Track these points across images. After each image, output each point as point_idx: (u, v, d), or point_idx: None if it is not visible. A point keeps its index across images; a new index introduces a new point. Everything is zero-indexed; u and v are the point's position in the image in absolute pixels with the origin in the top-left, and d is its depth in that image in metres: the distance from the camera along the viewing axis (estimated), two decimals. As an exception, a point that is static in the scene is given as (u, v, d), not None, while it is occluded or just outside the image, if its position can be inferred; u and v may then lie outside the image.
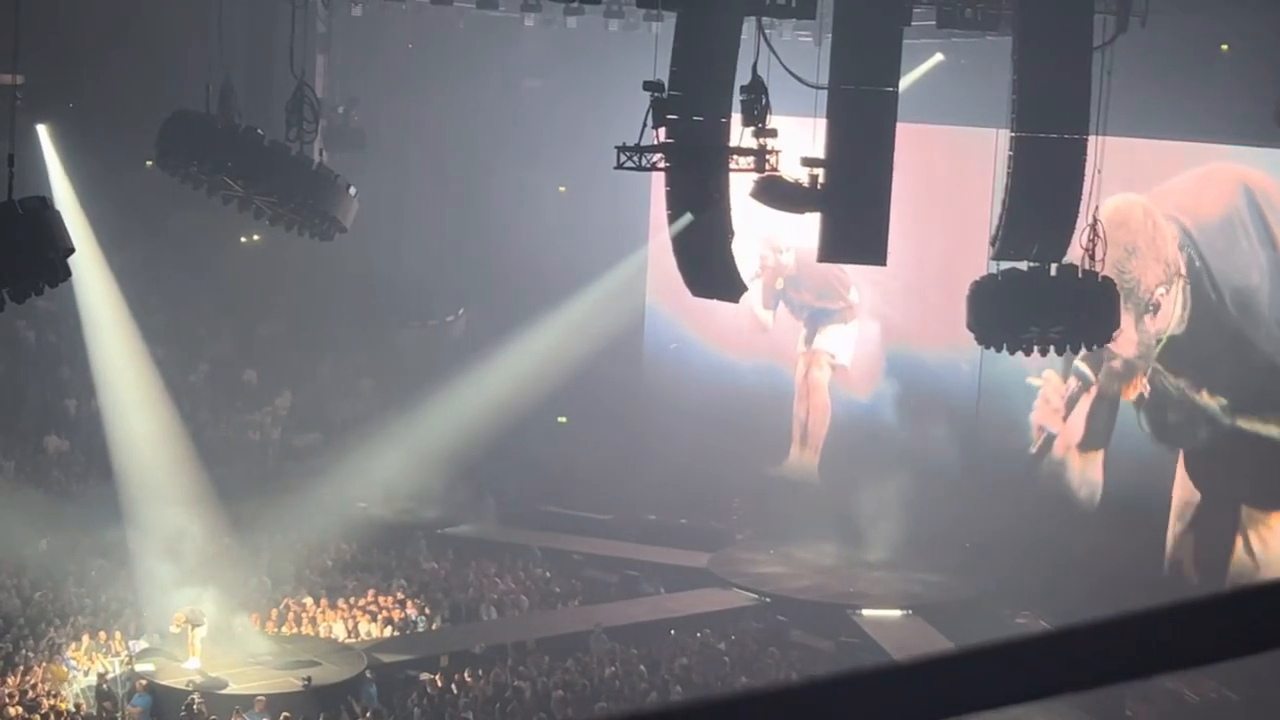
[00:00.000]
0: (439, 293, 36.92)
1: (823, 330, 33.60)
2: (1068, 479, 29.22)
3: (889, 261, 21.17)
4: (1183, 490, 27.01)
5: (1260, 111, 22.53)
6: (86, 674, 23.06)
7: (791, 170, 20.37)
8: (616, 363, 34.02)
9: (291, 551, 28.04)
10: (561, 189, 36.02)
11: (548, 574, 29.33)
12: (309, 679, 22.94)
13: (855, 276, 31.93)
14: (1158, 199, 27.17)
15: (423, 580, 28.38)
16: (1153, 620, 1.52)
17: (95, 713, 22.33)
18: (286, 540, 28.14)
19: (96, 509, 26.99)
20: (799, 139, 20.73)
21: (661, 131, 19.74)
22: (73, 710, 22.26)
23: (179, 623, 23.47)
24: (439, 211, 36.75)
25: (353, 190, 23.45)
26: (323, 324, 35.29)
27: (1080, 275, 20.08)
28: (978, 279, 20.75)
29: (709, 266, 21.86)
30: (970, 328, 20.70)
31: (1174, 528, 27.04)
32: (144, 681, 22.77)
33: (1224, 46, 25.72)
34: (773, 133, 19.81)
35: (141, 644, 23.99)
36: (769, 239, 32.46)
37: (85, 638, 23.95)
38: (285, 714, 21.83)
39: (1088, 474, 28.89)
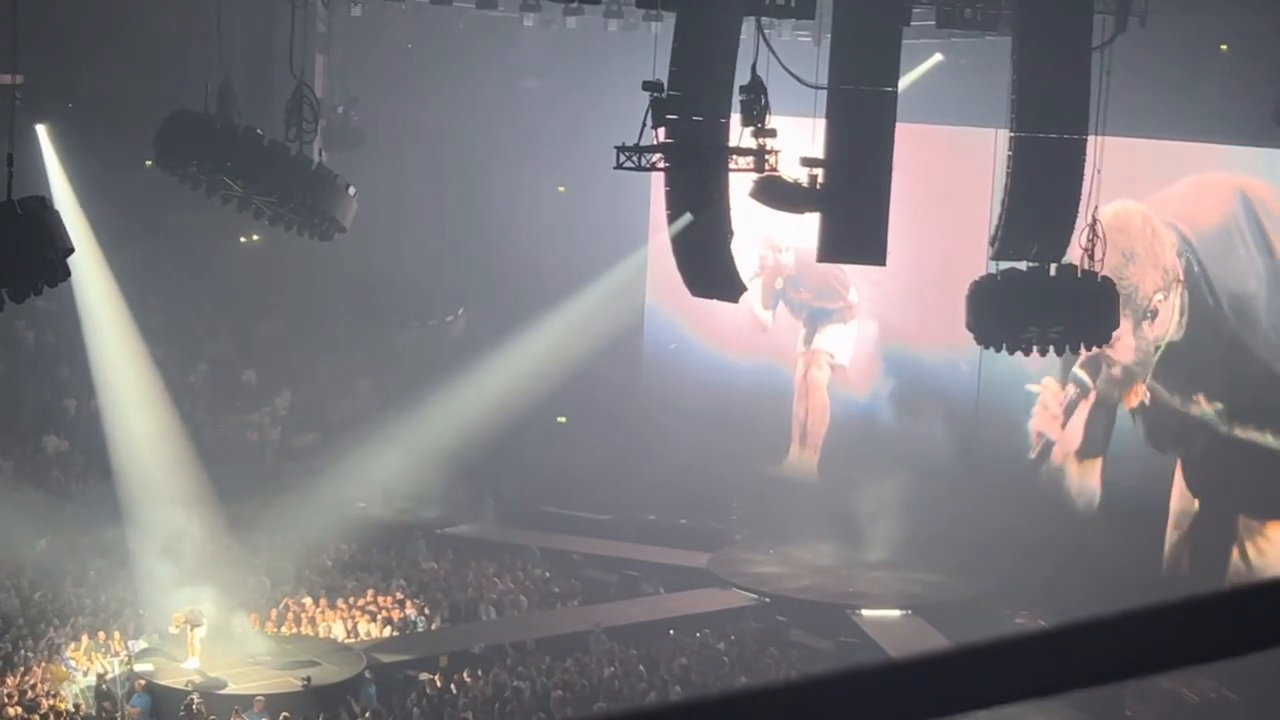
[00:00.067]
0: (438, 293, 36.91)
1: (822, 330, 33.60)
2: (1066, 486, 29.22)
3: (888, 261, 21.18)
4: (1180, 498, 27.00)
5: (1259, 111, 22.54)
6: (86, 674, 23.05)
7: (791, 170, 20.37)
8: (616, 363, 34.02)
9: (291, 551, 28.04)
10: (561, 189, 36.01)
11: (547, 574, 29.33)
12: (308, 679, 22.94)
13: (854, 276, 31.93)
14: (1156, 206, 27.18)
15: (422, 580, 28.38)
16: (1150, 618, 1.52)
17: (94, 713, 22.32)
18: (285, 540, 28.15)
19: (95, 509, 26.99)
20: (798, 139, 20.73)
21: (661, 131, 19.75)
22: (72, 710, 22.25)
23: (178, 623, 23.47)
24: (438, 211, 36.75)
25: (352, 190, 23.45)
26: (322, 324, 35.30)
27: (1079, 275, 20.08)
28: (977, 279, 20.75)
29: (708, 266, 21.86)
30: (969, 328, 20.70)
31: (1171, 536, 27.04)
32: (143, 681, 22.77)
33: (1223, 46, 25.72)
34: (772, 133, 19.81)
35: (141, 644, 23.99)
36: (768, 239, 32.46)
37: (84, 638, 23.94)
38: (284, 714, 21.83)
39: (1086, 481, 28.89)
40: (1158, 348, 27.43)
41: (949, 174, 30.04)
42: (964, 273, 22.05)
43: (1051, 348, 20.32)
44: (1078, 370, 28.79)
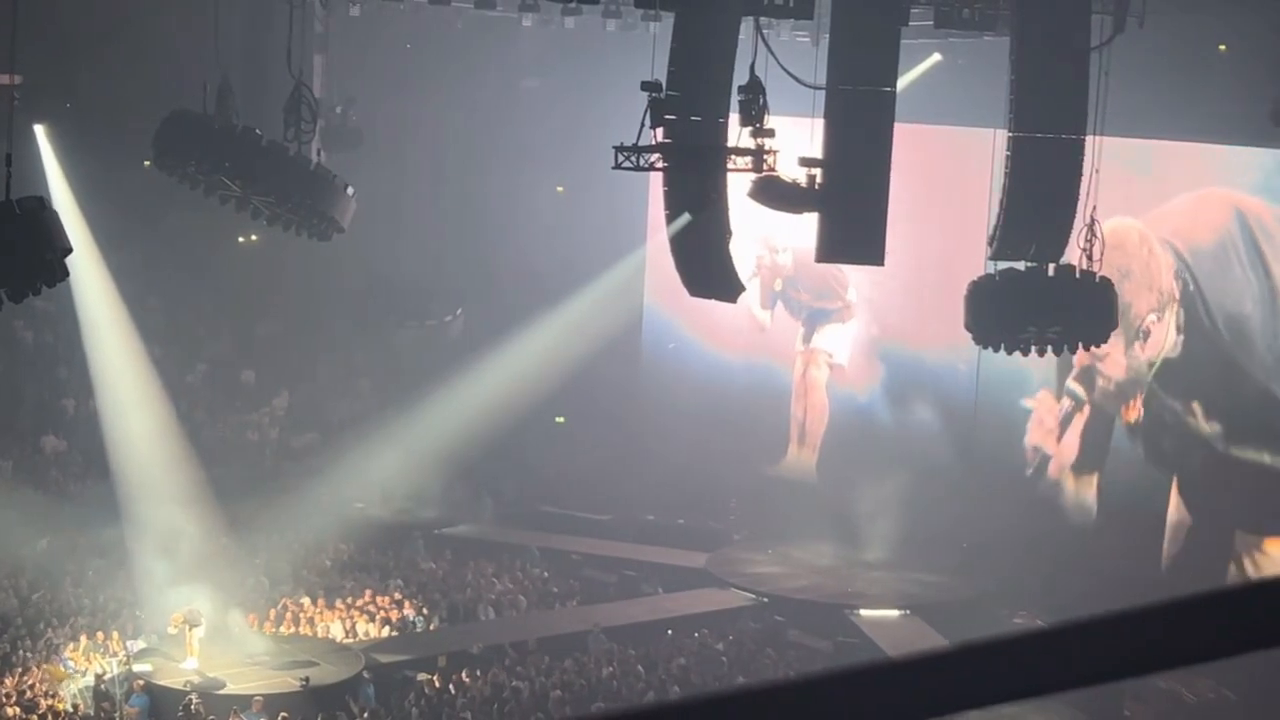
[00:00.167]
0: (437, 293, 36.90)
1: (820, 330, 33.60)
2: (1062, 501, 29.20)
3: (887, 261, 21.19)
4: (1177, 512, 26.99)
5: (1258, 112, 22.54)
6: (84, 674, 23.04)
7: (789, 170, 20.36)
8: (614, 363, 34.01)
9: (289, 551, 28.04)
10: (559, 189, 36.00)
11: (545, 574, 29.32)
12: (307, 679, 22.93)
13: (853, 276, 31.93)
14: (1153, 222, 27.20)
15: (420, 580, 28.38)
16: (1149, 617, 1.52)
17: (93, 713, 22.31)
18: (284, 540, 28.14)
19: (94, 509, 27.00)
20: (797, 139, 20.73)
21: (659, 131, 19.74)
22: (70, 710, 22.25)
23: (177, 623, 23.46)
24: (437, 211, 36.73)
25: (350, 190, 23.44)
26: (321, 324, 35.29)
27: (1078, 275, 20.08)
28: (975, 279, 20.74)
29: (707, 266, 21.85)
30: (968, 327, 20.70)
31: (1168, 549, 27.03)
32: (142, 682, 22.77)
33: (1221, 47, 25.72)
34: (770, 133, 19.80)
35: (139, 644, 23.98)
36: (766, 239, 32.46)
37: (83, 638, 23.93)
38: (283, 714, 21.83)
39: (1082, 495, 28.88)
40: (1152, 364, 27.45)
41: (947, 174, 30.04)
42: (962, 273, 22.05)
43: (1050, 348, 20.32)
44: (1072, 384, 28.85)
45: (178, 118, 22.61)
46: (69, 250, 16.63)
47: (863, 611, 27.97)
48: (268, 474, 31.35)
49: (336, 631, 25.78)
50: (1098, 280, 20.09)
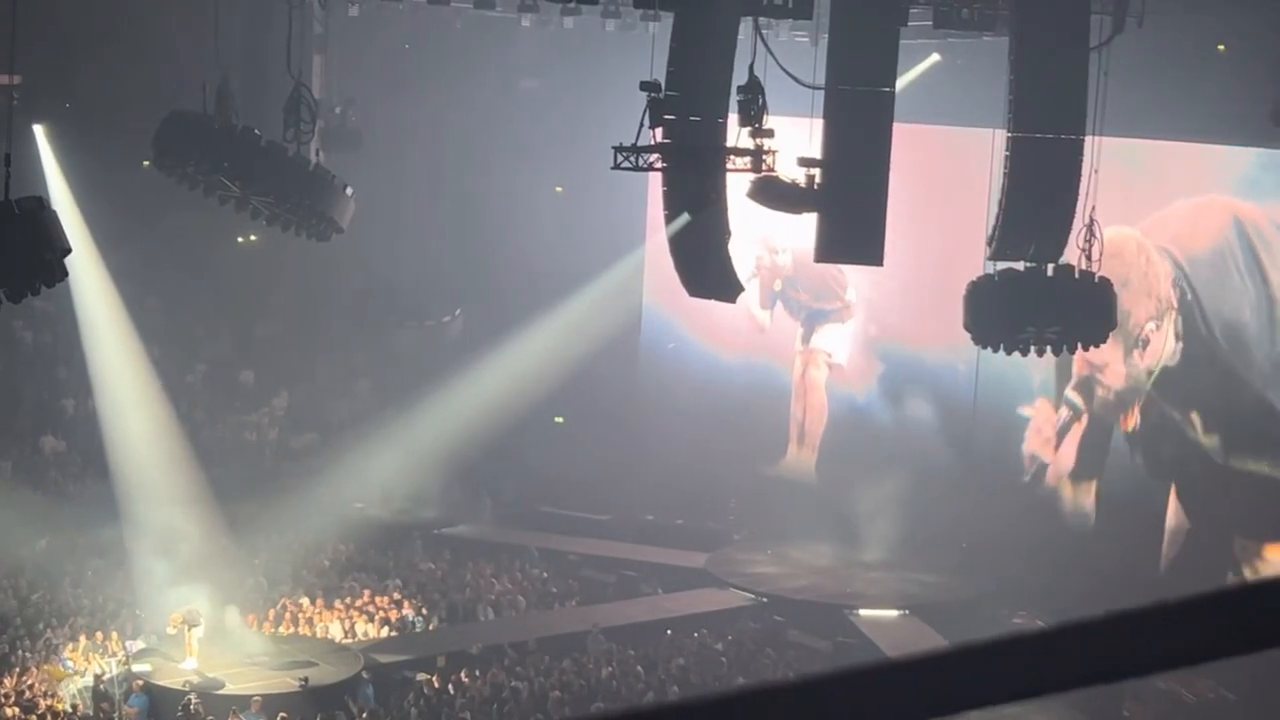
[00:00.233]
0: (436, 293, 36.90)
1: (819, 330, 33.60)
2: (1061, 506, 29.19)
3: (886, 262, 21.17)
4: (1175, 519, 26.98)
5: (1257, 112, 22.55)
6: (83, 674, 23.04)
7: (788, 170, 20.36)
8: (613, 363, 34.00)
9: (288, 552, 28.03)
10: (558, 189, 36.00)
11: (545, 574, 29.32)
12: (306, 679, 22.93)
13: (852, 276, 31.94)
14: (1151, 230, 27.20)
15: (420, 581, 28.38)
16: (1148, 618, 1.52)
17: (92, 713, 22.31)
18: (283, 540, 28.14)
19: (93, 509, 27.00)
20: (796, 139, 20.72)
21: (658, 132, 19.74)
22: (69, 711, 22.24)
23: (176, 623, 23.46)
24: (435, 212, 36.73)
25: (349, 190, 23.45)
26: (320, 324, 35.30)
27: (1077, 275, 20.07)
28: (974, 279, 20.74)
29: (706, 267, 21.85)
30: (967, 328, 20.70)
31: (1166, 555, 27.01)
32: (141, 682, 22.76)
33: (1221, 47, 25.72)
34: (769, 133, 19.80)
35: (138, 644, 23.98)
36: (765, 240, 32.46)
37: (82, 638, 23.93)
38: (282, 714, 21.82)
39: (1080, 503, 28.88)
40: (1150, 373, 27.45)
41: (946, 174, 30.05)
42: (961, 273, 22.04)
43: (1049, 348, 20.31)
44: (1070, 393, 28.87)
45: (177, 118, 22.61)
46: (68, 250, 16.63)
47: (862, 612, 27.97)
48: (267, 474, 31.35)
49: (336, 632, 25.78)
50: (1097, 280, 20.08)
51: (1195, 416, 26.68)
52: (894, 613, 28.09)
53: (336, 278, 33.79)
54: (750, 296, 31.32)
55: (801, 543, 30.78)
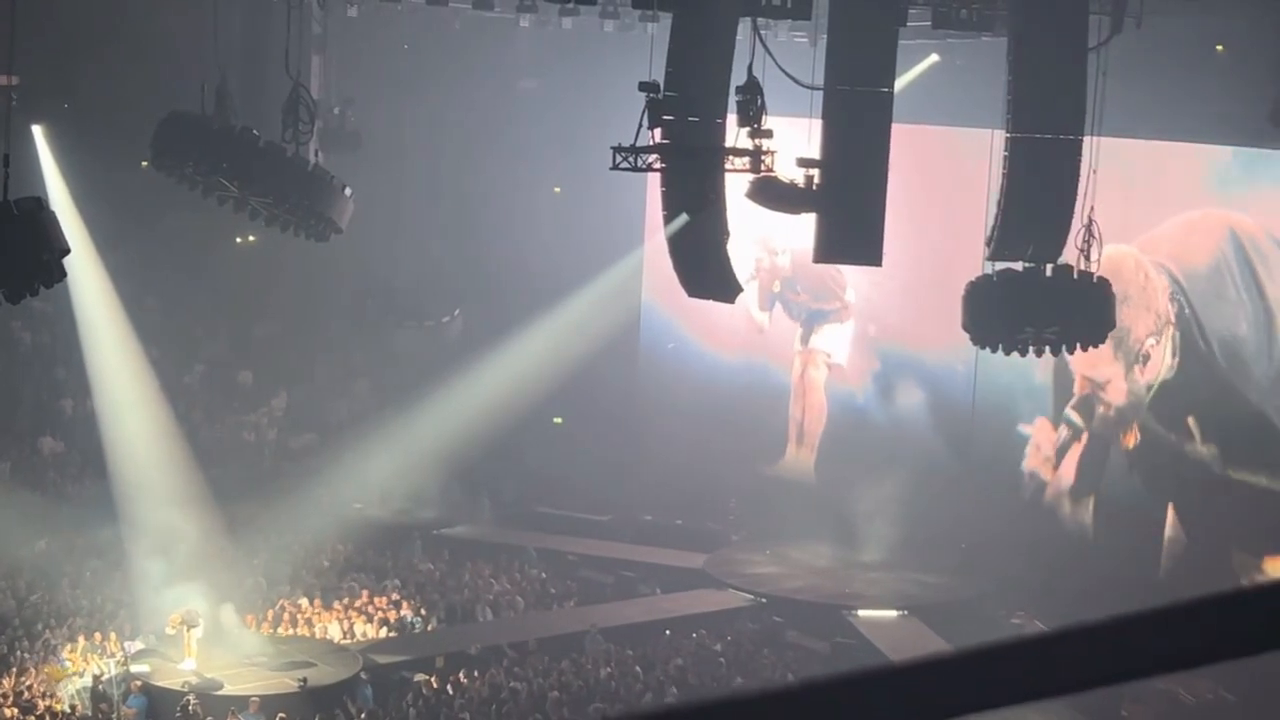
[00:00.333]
0: (434, 293, 36.90)
1: (818, 330, 33.60)
2: (1060, 514, 29.15)
3: (884, 262, 21.18)
4: (1174, 533, 26.95)
5: (1256, 112, 22.56)
6: (82, 675, 23.03)
7: (787, 171, 20.37)
8: (612, 363, 34.00)
9: (287, 552, 28.03)
10: (557, 189, 36.01)
11: (543, 575, 29.32)
12: (304, 680, 22.93)
13: (851, 277, 31.93)
14: (1147, 245, 27.18)
15: (418, 581, 28.38)
16: (1148, 621, 1.52)
17: (91, 714, 22.30)
18: (282, 541, 28.13)
19: (92, 510, 27.00)
20: (794, 140, 20.72)
21: (657, 132, 19.73)
22: (68, 711, 22.24)
23: (174, 624, 23.45)
24: (434, 212, 36.74)
25: (348, 191, 23.44)
26: (319, 325, 35.30)
27: (1075, 276, 20.08)
28: (973, 279, 20.74)
29: (705, 267, 21.86)
30: (965, 328, 20.70)
31: (1165, 567, 26.98)
32: (139, 683, 22.76)
33: (1219, 47, 25.72)
34: (768, 133, 19.80)
35: (137, 645, 23.98)
36: (764, 241, 32.46)
37: (80, 639, 23.92)
38: (281, 715, 21.83)
39: (1079, 515, 28.85)
40: (1150, 388, 27.45)
41: (945, 175, 30.05)
42: (960, 273, 22.05)
43: (1048, 348, 20.32)
44: (1069, 412, 28.87)
45: (176, 118, 22.62)
46: (67, 251, 16.63)
47: (861, 612, 27.96)
48: (265, 475, 31.34)
49: (334, 632, 25.77)
50: (1095, 280, 20.09)
51: (1193, 430, 26.68)
52: (893, 613, 28.08)
53: (335, 278, 33.79)
54: (749, 299, 31.34)
55: (800, 543, 30.79)
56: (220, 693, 22.67)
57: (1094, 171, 19.67)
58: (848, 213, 20.38)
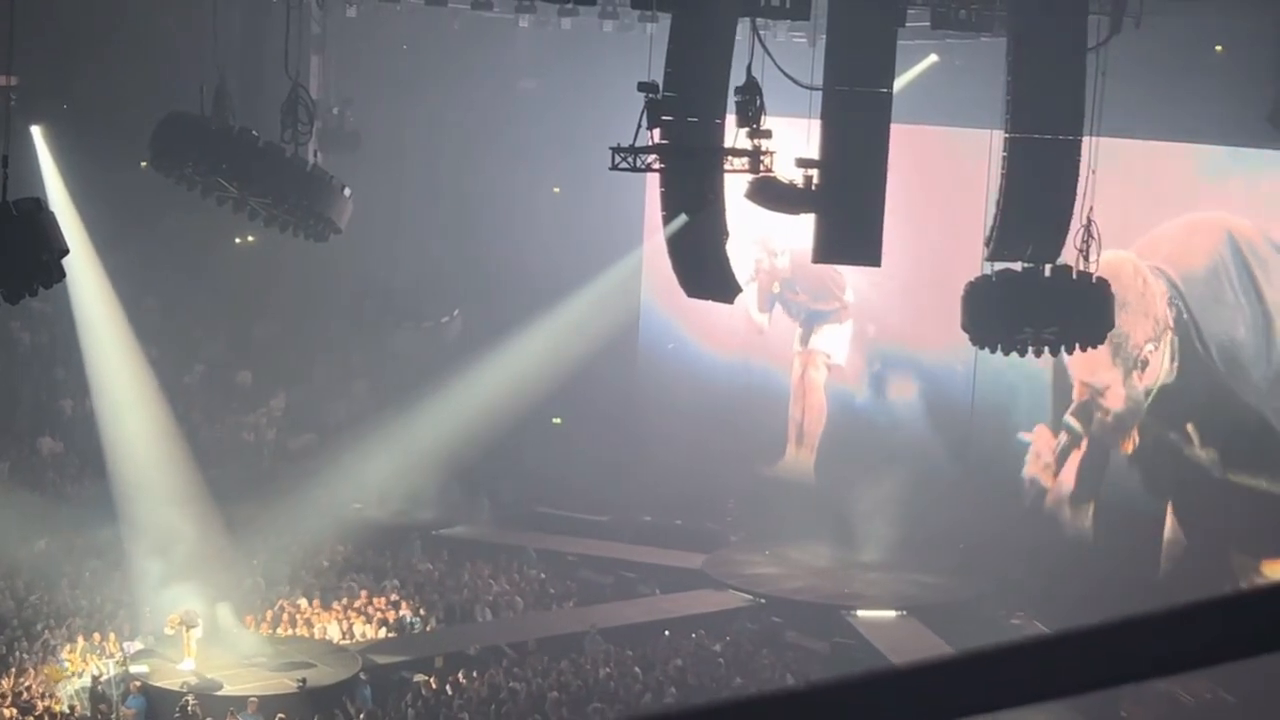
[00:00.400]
0: (433, 294, 36.90)
1: (818, 331, 33.60)
2: (1060, 519, 29.15)
3: (883, 262, 21.17)
4: (1172, 536, 26.95)
5: (1255, 112, 22.56)
6: (81, 675, 23.03)
7: (786, 171, 20.36)
8: (612, 364, 34.00)
9: (286, 553, 28.02)
10: (556, 190, 36.00)
11: (542, 575, 29.33)
12: (304, 680, 22.92)
13: (850, 277, 31.93)
14: (1145, 249, 27.18)
15: (417, 582, 28.38)
16: (1148, 624, 1.52)
17: (89, 714, 22.31)
18: (281, 541, 28.12)
19: (91, 510, 27.00)
20: (793, 140, 20.72)
21: (656, 132, 19.73)
22: (67, 712, 22.24)
23: (173, 624, 23.45)
24: (433, 212, 36.73)
25: (347, 191, 23.45)
26: (318, 325, 35.30)
27: (1074, 276, 20.08)
28: (972, 280, 20.75)
29: (704, 267, 21.86)
30: (965, 328, 20.70)
31: (1164, 570, 26.98)
32: (138, 683, 22.76)
33: (1218, 47, 25.73)
34: (767, 134, 19.80)
35: (136, 645, 23.98)
36: (764, 242, 32.46)
37: (80, 639, 23.92)
38: (280, 715, 21.83)
39: (1079, 521, 28.85)
40: (1148, 393, 27.45)
41: (944, 175, 30.05)
42: (959, 273, 22.05)
43: (1047, 349, 20.32)
44: (1069, 418, 28.87)
45: (175, 119, 22.62)
46: (66, 251, 16.63)
47: (860, 612, 27.96)
48: (265, 475, 31.34)
49: (333, 633, 25.77)
50: (1094, 281, 20.10)
51: (1193, 435, 26.68)
52: (892, 614, 28.08)
53: (334, 278, 33.79)
54: (749, 299, 31.34)
55: (799, 543, 30.78)
56: (219, 693, 22.68)
57: (1093, 172, 19.67)
58: (847, 213, 20.38)
